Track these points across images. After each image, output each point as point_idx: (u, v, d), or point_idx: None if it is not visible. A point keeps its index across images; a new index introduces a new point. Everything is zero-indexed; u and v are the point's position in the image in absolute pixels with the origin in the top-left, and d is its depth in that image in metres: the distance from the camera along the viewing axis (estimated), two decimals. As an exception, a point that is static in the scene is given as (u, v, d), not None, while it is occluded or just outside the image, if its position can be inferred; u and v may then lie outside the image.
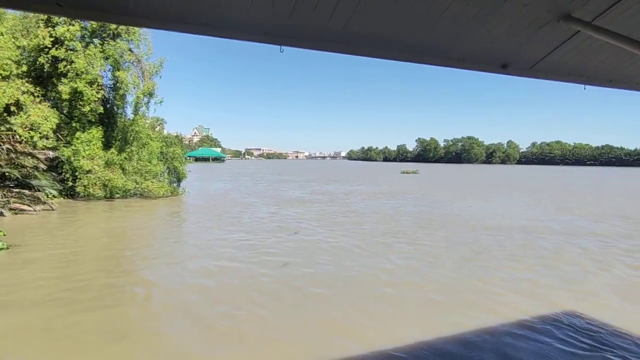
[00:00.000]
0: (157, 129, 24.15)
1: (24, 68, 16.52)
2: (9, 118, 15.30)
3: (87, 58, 17.49)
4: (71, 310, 5.65)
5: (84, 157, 17.30)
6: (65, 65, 17.11)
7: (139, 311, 5.95)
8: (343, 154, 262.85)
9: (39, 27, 17.17)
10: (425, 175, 53.72)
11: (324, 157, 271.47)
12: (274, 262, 8.38)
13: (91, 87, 17.56)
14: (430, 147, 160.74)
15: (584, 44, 2.54)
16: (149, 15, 2.14)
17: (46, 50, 16.99)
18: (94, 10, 2.11)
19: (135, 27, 18.48)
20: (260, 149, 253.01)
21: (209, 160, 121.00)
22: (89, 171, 17.33)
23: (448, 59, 2.68)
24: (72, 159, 17.24)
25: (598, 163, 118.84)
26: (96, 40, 18.94)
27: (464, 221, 14.17)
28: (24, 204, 13.76)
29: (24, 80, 16.41)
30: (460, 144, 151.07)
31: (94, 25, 18.60)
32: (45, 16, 16.83)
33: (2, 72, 15.21)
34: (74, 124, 17.94)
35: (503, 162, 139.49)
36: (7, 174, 14.23)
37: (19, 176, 14.33)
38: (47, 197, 15.31)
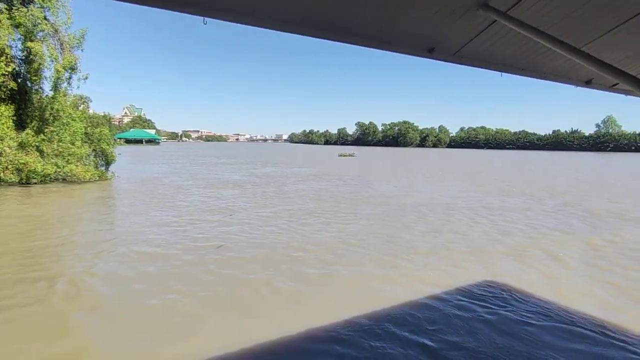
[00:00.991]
0: (81, 108, 22.34)
1: None
2: None
3: (-8, 26, 15.64)
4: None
5: (-8, 138, 15.67)
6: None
7: (53, 309, 5.28)
8: (285, 137, 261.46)
9: None
10: (361, 158, 55.61)
11: (265, 140, 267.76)
12: (207, 245, 8.35)
13: (-3, 59, 15.79)
14: (369, 131, 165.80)
15: (500, 33, 2.69)
16: None
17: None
18: None
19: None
20: (199, 131, 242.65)
21: (142, 143, 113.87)
22: (-2, 154, 15.76)
23: (378, 41, 2.71)
24: (-22, 140, 15.54)
25: (515, 147, 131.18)
26: (1, 5, 16.86)
27: (385, 199, 15.25)
28: None
29: None
30: (397, 128, 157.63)
31: (-1, -11, 16.55)
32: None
33: None
34: (-22, 101, 16.09)
35: (435, 145, 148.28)
36: None
37: None
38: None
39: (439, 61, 3.07)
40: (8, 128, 16.42)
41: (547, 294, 6.05)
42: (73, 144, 18.86)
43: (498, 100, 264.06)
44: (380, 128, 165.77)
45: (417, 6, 2.36)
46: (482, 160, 55.03)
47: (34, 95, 19.08)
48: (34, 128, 17.68)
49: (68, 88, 19.34)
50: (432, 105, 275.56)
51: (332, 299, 5.85)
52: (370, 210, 13.02)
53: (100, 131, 21.00)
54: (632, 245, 9.12)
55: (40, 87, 19.33)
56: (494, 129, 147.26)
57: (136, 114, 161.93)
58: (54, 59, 18.29)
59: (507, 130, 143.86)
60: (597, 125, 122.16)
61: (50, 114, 18.47)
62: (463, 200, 15.41)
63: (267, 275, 6.63)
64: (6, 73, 16.55)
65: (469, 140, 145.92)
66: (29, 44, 17.47)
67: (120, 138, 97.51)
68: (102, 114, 27.34)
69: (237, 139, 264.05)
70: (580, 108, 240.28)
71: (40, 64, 18.13)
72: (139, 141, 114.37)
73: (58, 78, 18.50)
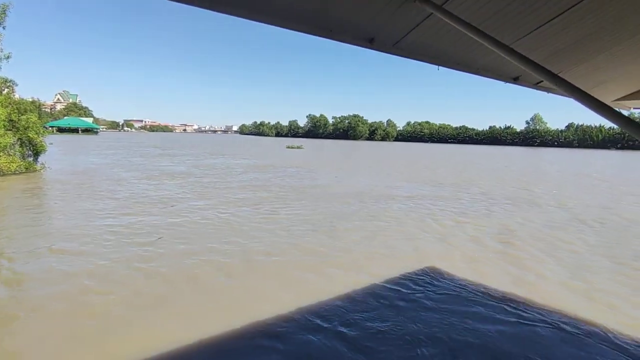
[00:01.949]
0: (5, 92, 20.70)
1: None
2: None
3: None
4: None
5: None
6: None
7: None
8: (235, 128, 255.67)
9: None
10: (309, 150, 56.43)
11: (214, 131, 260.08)
12: (139, 241, 8.34)
13: None
14: (320, 124, 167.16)
15: (436, 26, 2.69)
16: None
17: None
18: None
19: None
20: (142, 121, 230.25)
21: (77, 132, 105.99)
22: None
23: (318, 28, 2.66)
24: None
25: (456, 141, 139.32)
26: None
27: (324, 190, 16.07)
28: None
29: None
30: (347, 121, 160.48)
31: None
32: None
33: None
34: None
35: (383, 139, 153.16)
36: None
37: None
38: None
39: (380, 52, 3.07)
40: None
41: (468, 273, 6.90)
42: (-6, 132, 17.56)
43: (442, 96, 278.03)
44: (331, 121, 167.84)
45: None
46: (424, 153, 58.05)
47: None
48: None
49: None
50: (381, 100, 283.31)
51: (258, 291, 5.89)
52: (308, 200, 13.70)
53: (28, 118, 19.52)
54: (536, 226, 10.63)
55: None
56: (437, 124, 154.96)
57: (71, 100, 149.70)
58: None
59: (449, 125, 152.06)
60: (527, 122, 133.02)
61: (-33, 99, 17.04)
62: (397, 190, 16.60)
63: (194, 271, 6.55)
64: None
65: (415, 134, 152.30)
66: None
67: (52, 126, 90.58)
68: (31, 100, 25.24)
69: (185, 130, 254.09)
70: (513, 105, 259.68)
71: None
72: (74, 130, 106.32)
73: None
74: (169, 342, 4.36)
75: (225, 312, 5.20)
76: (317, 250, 7.94)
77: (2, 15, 18.11)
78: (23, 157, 19.05)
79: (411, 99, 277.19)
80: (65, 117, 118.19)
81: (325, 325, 4.85)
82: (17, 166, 17.87)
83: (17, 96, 22.96)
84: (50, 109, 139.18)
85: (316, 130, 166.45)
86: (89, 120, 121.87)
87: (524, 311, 5.39)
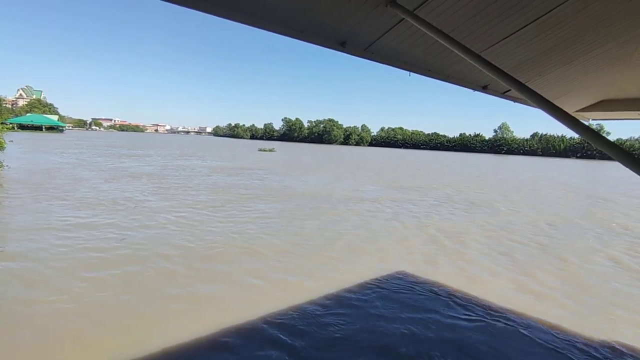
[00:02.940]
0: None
1: None
2: None
3: None
4: None
5: None
6: None
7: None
8: (209, 129, 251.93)
9: None
10: (282, 153, 56.42)
11: (187, 132, 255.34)
12: (108, 239, 8.44)
13: None
14: (295, 127, 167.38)
15: (408, 32, 2.68)
16: None
17: None
18: None
19: None
20: (111, 120, 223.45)
21: (41, 130, 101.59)
22: None
23: (290, 29, 2.59)
24: None
25: (428, 147, 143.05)
26: None
27: (291, 192, 16.40)
28: None
29: None
30: (322, 125, 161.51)
31: None
32: None
33: None
34: None
35: (357, 143, 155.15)
36: None
37: None
38: None
39: (353, 56, 3.04)
40: None
41: (429, 271, 7.41)
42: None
43: (415, 103, 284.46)
44: (306, 125, 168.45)
45: None
46: (395, 159, 59.29)
47: None
48: None
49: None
50: (357, 105, 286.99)
51: (206, 299, 5.70)
52: (272, 203, 13.95)
53: (-15, 115, 18.92)
54: (487, 226, 11.36)
55: None
56: (410, 131, 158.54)
57: (35, 96, 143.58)
58: None
59: (422, 132, 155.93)
60: (495, 131, 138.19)
61: None
62: (362, 194, 17.10)
63: (137, 277, 6.30)
64: None
65: (389, 140, 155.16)
66: None
67: (12, 123, 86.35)
68: (-11, 96, 24.17)
69: (156, 130, 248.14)
70: (483, 113, 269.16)
71: None
72: (37, 128, 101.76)
73: None
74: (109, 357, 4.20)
75: (166, 323, 4.92)
76: (271, 255, 7.96)
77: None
78: (-22, 155, 18.35)
79: (386, 105, 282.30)
80: (28, 114, 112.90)
81: (278, 334, 4.72)
82: (-29, 164, 17.22)
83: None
84: (12, 104, 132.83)
85: (291, 133, 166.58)
86: (54, 117, 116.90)
87: (467, 301, 5.87)
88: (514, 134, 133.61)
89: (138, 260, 7.14)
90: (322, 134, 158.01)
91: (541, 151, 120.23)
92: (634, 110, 4.81)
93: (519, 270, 7.75)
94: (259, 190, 16.69)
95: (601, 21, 2.73)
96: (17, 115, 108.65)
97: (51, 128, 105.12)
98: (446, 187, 21.83)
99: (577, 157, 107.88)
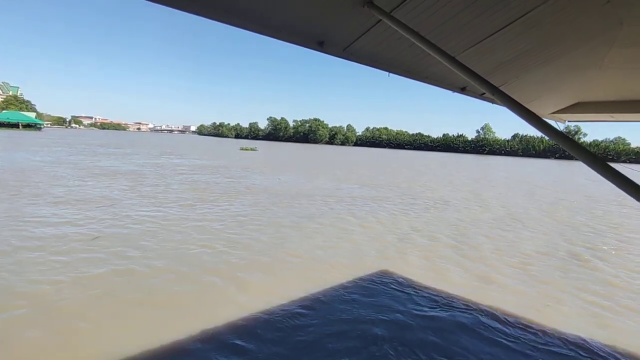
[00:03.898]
0: None
1: None
2: None
3: None
4: None
5: None
6: None
7: None
8: (193, 128, 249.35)
9: None
10: (264, 152, 55.95)
11: (171, 131, 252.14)
12: (83, 236, 8.39)
13: None
14: (280, 127, 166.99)
15: (385, 33, 2.66)
16: None
17: None
18: None
19: None
20: (92, 118, 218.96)
21: (17, 127, 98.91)
22: None
23: (267, 27, 2.54)
24: None
25: (412, 147, 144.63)
26: None
27: (267, 191, 16.37)
28: None
29: None
30: (307, 125, 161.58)
31: None
32: None
33: None
34: None
35: (343, 143, 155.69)
36: None
37: None
38: None
39: (331, 56, 3.00)
40: None
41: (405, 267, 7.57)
42: None
43: (400, 103, 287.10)
44: (292, 124, 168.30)
45: None
46: (379, 159, 59.76)
47: None
48: None
49: None
50: (342, 104, 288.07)
51: (170, 304, 5.48)
52: (246, 200, 13.96)
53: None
54: (450, 221, 11.64)
55: None
56: (395, 131, 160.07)
57: (11, 93, 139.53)
58: None
59: (406, 132, 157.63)
60: (477, 131, 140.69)
61: None
62: (341, 191, 17.23)
63: (105, 281, 6.01)
64: None
65: (373, 140, 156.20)
66: None
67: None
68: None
69: (139, 129, 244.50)
70: (465, 114, 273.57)
71: None
72: (14, 125, 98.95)
73: None
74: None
75: (131, 331, 4.67)
76: (246, 255, 7.93)
77: None
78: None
79: (372, 105, 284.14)
80: (4, 111, 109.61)
81: (241, 339, 4.54)
82: (-62, 161, 16.71)
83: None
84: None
85: (277, 133, 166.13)
86: (32, 114, 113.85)
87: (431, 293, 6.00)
88: (496, 135, 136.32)
89: (100, 262, 7.07)
90: (307, 134, 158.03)
91: (521, 152, 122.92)
92: (606, 113, 4.93)
93: (483, 265, 7.96)
94: (235, 189, 16.61)
95: (572, 27, 2.80)
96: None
97: (28, 126, 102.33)
98: (402, 184, 22.29)
99: (556, 158, 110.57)
